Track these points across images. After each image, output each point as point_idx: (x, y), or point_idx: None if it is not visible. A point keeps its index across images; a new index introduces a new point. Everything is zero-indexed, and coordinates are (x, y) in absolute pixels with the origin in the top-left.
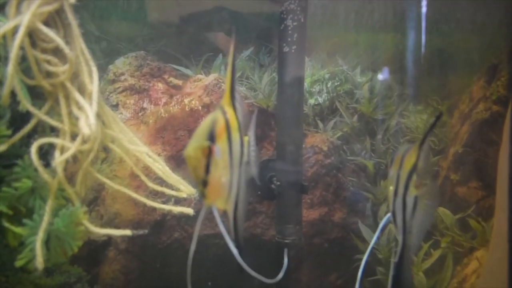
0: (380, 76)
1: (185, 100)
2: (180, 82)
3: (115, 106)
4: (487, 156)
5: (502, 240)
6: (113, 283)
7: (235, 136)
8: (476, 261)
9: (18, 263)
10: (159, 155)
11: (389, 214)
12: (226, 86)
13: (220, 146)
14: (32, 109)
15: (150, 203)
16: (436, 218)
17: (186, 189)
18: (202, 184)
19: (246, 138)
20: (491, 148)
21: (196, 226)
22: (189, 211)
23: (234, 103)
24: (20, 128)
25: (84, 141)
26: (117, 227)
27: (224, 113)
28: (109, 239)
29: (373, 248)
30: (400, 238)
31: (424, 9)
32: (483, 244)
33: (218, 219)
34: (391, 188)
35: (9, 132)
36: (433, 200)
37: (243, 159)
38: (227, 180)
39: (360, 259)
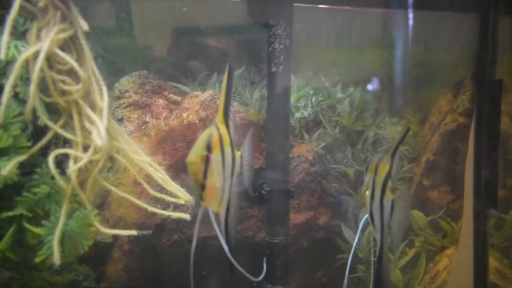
0: (359, 91)
1: (183, 114)
2: (179, 98)
3: (120, 120)
4: (455, 163)
5: (469, 239)
6: (117, 281)
7: (227, 150)
8: (446, 258)
9: (38, 259)
10: (160, 164)
11: (366, 216)
12: (220, 106)
13: (215, 157)
14: (49, 123)
15: (151, 209)
16: (411, 220)
17: (184, 196)
18: (201, 187)
19: (238, 153)
20: (459, 156)
21: (196, 226)
22: (186, 216)
23: (227, 121)
24: (37, 140)
25: (95, 152)
26: (121, 229)
27: (218, 129)
28: (114, 241)
29: (354, 248)
30: (378, 237)
31: (398, 31)
32: (453, 242)
33: (213, 218)
34: (367, 192)
35: (29, 143)
36: (407, 201)
37: (234, 170)
38: (220, 186)
39: (343, 258)
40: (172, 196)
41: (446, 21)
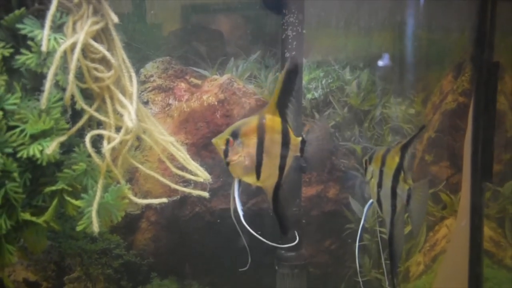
0: (366, 73)
1: (203, 96)
2: (199, 82)
3: (146, 103)
4: (455, 140)
5: (467, 210)
6: (145, 248)
7: (274, 136)
8: (445, 228)
9: (79, 228)
10: (182, 143)
11: (371, 201)
12: (273, 97)
13: (243, 141)
14: (85, 107)
15: (173, 185)
16: None
17: (203, 175)
18: (226, 163)
19: (297, 139)
20: (458, 133)
21: (232, 194)
22: (205, 194)
23: (282, 111)
24: (74, 122)
25: (126, 133)
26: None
27: (261, 118)
28: (142, 213)
29: (361, 219)
30: (388, 219)
31: (402, 16)
32: (452, 213)
33: (234, 188)
34: (373, 180)
35: (68, 126)
36: (426, 193)
37: (288, 153)
38: (250, 164)
39: (350, 228)
40: (192, 175)
41: (447, 6)
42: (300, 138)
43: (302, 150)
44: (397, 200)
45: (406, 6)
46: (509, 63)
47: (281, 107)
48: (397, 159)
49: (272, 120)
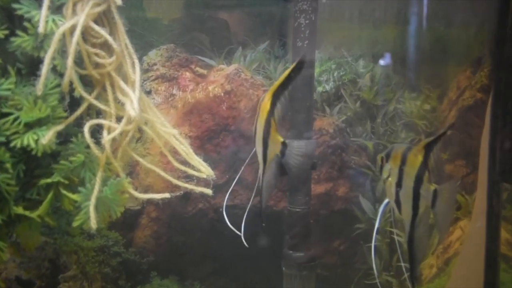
0: (380, 66)
1: (209, 87)
2: (205, 72)
3: (148, 92)
4: (471, 138)
5: (482, 211)
6: (145, 246)
7: (261, 120)
8: (460, 229)
9: (75, 224)
10: (186, 135)
11: (386, 200)
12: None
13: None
14: (85, 94)
15: (175, 181)
16: None
17: (206, 171)
18: None
19: (279, 139)
20: (475, 131)
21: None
22: (208, 191)
23: (274, 102)
24: (72, 111)
25: (128, 123)
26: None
27: (261, 98)
28: (142, 208)
29: (371, 219)
30: (407, 221)
31: (418, 8)
32: (466, 215)
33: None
34: (390, 179)
35: (65, 114)
36: (454, 195)
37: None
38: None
39: (360, 228)
40: (195, 170)
41: None
42: (281, 139)
43: (282, 152)
44: (420, 201)
45: None
46: None
47: (274, 98)
48: (420, 158)
49: (265, 104)
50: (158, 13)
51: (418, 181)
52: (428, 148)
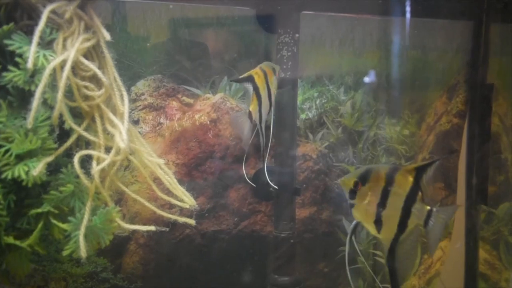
0: (360, 94)
1: (195, 116)
2: (191, 101)
3: (136, 122)
4: (449, 162)
5: (461, 232)
6: (133, 272)
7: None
8: (440, 250)
9: (65, 253)
10: (173, 163)
11: (355, 222)
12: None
13: None
14: (74, 126)
15: (159, 211)
16: None
17: (189, 201)
18: None
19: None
20: (452, 155)
21: None
22: (192, 222)
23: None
24: (62, 142)
25: (117, 153)
26: (137, 224)
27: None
28: (130, 235)
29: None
30: (388, 240)
31: (397, 37)
32: (446, 235)
33: None
34: (368, 200)
35: (55, 145)
36: (449, 217)
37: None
38: None
39: (343, 251)
40: (178, 200)
41: (441, 29)
42: None
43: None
44: (410, 220)
45: (400, 27)
46: (503, 85)
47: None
48: (410, 178)
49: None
50: (142, 35)
51: (409, 200)
52: (420, 170)
